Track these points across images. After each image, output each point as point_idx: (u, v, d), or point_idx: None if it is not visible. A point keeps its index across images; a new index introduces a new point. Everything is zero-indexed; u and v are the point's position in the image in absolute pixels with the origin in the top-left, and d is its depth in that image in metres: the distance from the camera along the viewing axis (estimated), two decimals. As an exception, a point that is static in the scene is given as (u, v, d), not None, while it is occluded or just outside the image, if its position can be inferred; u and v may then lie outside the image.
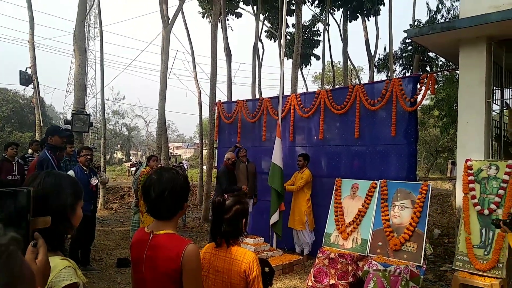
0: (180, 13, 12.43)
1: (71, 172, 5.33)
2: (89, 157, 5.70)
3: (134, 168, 17.16)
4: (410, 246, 4.83)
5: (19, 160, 7.20)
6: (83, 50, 9.01)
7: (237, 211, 2.13)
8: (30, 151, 8.43)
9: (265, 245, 6.21)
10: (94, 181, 5.67)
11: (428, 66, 15.84)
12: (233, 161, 6.82)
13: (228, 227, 2.10)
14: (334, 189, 5.89)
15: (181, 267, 1.68)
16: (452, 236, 7.38)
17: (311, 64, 20.09)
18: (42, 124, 11.43)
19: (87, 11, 11.60)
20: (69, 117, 8.49)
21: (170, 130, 52.09)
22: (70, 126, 8.16)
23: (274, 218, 6.20)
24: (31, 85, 11.21)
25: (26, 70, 10.96)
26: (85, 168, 5.62)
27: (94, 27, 35.81)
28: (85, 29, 10.11)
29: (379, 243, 5.08)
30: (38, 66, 11.30)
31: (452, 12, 16.60)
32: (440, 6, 17.05)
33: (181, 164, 15.19)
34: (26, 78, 10.87)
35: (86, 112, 9.20)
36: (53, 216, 1.27)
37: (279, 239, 6.51)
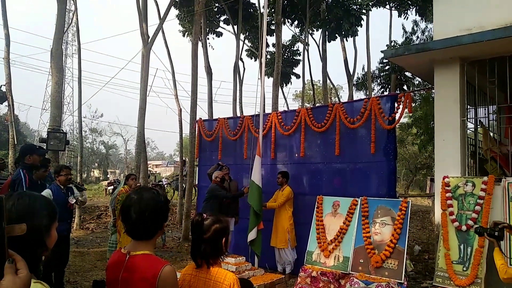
0: (160, 32, 12.46)
1: (47, 191, 5.16)
2: (69, 176, 5.54)
3: (112, 187, 16.80)
4: (391, 263, 4.85)
5: None
6: (60, 67, 8.87)
7: (216, 230, 2.09)
8: None
9: (246, 265, 6.10)
10: (72, 200, 5.48)
11: (405, 85, 16.31)
12: (221, 178, 6.83)
13: (207, 247, 2.05)
14: (316, 206, 5.90)
15: None
16: (432, 252, 7.45)
17: (291, 82, 20.41)
18: (16, 142, 11.12)
19: (65, 28, 11.49)
20: (44, 135, 8.27)
21: (150, 148, 51.52)
22: (45, 144, 7.93)
23: (252, 235, 6.12)
24: (5, 103, 10.93)
25: (0, 87, 10.70)
26: (62, 187, 5.43)
27: (72, 45, 35.53)
28: (63, 47, 9.99)
29: (360, 261, 5.08)
30: (13, 83, 11.05)
31: (426, 33, 17.28)
32: (415, 28, 17.74)
33: (160, 183, 14.97)
34: (1, 96, 10.61)
35: (62, 130, 8.98)
36: (27, 238, 1.22)
37: (260, 258, 6.42)
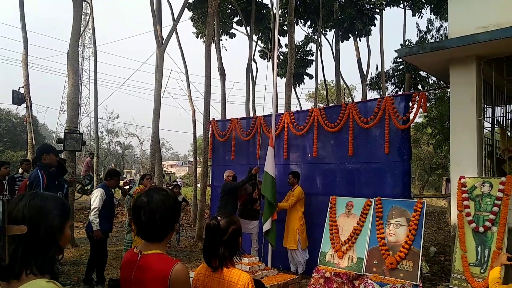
0: (174, 33, 12.57)
1: (100, 190, 5.76)
2: (119, 182, 6.27)
3: (128, 187, 17.03)
4: (406, 265, 4.79)
5: (9, 180, 7.09)
6: (76, 69, 9.03)
7: (233, 231, 2.10)
8: (20, 170, 8.31)
9: (259, 265, 6.10)
10: (116, 201, 6.14)
11: (419, 85, 16.09)
12: (232, 176, 6.90)
13: (226, 249, 2.06)
14: (329, 207, 5.87)
15: None
16: (449, 253, 7.33)
17: (304, 83, 20.39)
18: (34, 143, 11.36)
19: (81, 31, 11.69)
20: (62, 135, 8.44)
21: (165, 148, 51.96)
22: (62, 145, 8.09)
23: (266, 226, 6.19)
24: (24, 104, 11.17)
25: (19, 89, 10.95)
26: (110, 189, 5.95)
27: (89, 47, 36.14)
28: (79, 49, 10.17)
29: (375, 262, 5.04)
30: (31, 85, 11.31)
31: (441, 32, 17.03)
32: (429, 27, 17.50)
33: (175, 182, 15.12)
34: (19, 98, 10.84)
35: (78, 131, 9.14)
36: (40, 239, 1.25)
37: (274, 258, 6.43)
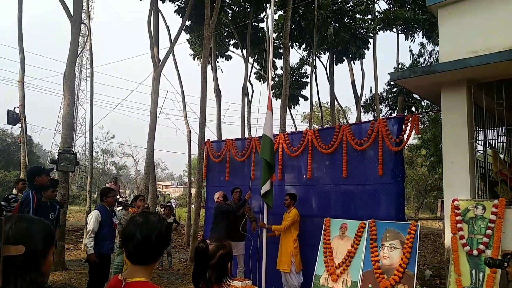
0: (170, 55, 12.73)
1: (96, 212, 5.54)
2: (116, 198, 6.07)
3: (121, 207, 16.85)
4: (401, 289, 4.72)
5: (1, 202, 6.91)
6: (72, 90, 9.07)
7: (222, 255, 2.09)
8: (14, 191, 8.10)
9: (253, 288, 6.01)
10: (116, 220, 5.87)
11: (413, 107, 16.30)
12: (223, 197, 6.85)
13: (213, 273, 2.05)
14: (323, 229, 5.83)
15: None
16: (444, 277, 7.25)
17: (299, 104, 20.55)
18: (27, 163, 11.27)
19: (79, 53, 11.80)
20: (56, 155, 8.38)
21: (160, 169, 51.71)
22: (55, 165, 8.03)
23: (265, 188, 6.08)
24: (18, 124, 11.16)
25: (14, 109, 10.96)
26: (108, 208, 5.70)
27: (86, 68, 36.43)
28: (77, 70, 10.25)
29: (369, 286, 4.97)
30: (27, 105, 11.33)
31: (434, 55, 17.39)
32: (422, 50, 17.88)
33: (169, 204, 14.98)
34: (14, 118, 10.84)
35: (72, 151, 9.10)
36: (22, 261, 1.23)
37: (268, 281, 6.32)
